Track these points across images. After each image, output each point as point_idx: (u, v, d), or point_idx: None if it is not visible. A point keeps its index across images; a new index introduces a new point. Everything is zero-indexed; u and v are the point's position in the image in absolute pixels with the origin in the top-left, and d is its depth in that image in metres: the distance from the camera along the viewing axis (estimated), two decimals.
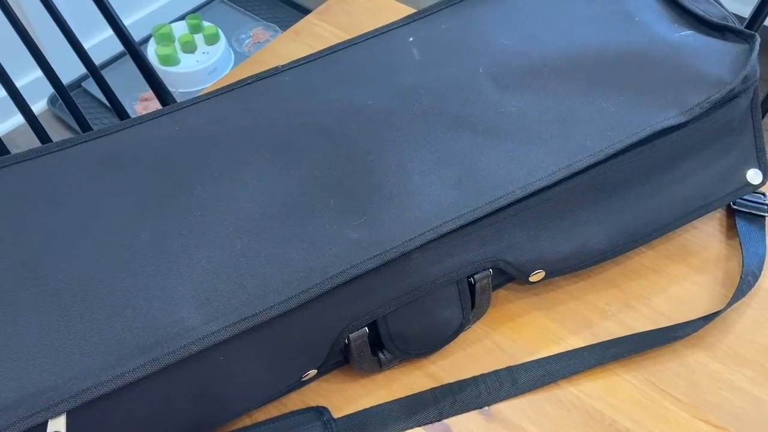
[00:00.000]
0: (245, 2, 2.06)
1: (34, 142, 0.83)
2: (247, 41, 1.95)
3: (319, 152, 0.57)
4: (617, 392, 0.57)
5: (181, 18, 1.92)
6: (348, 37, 0.67)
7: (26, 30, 0.88)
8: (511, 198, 0.55)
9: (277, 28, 1.97)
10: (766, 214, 0.65)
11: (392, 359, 0.58)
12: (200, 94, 0.64)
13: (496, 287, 0.63)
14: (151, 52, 1.79)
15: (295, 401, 0.58)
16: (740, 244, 0.63)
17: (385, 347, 0.57)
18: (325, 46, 0.67)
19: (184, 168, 0.57)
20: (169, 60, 1.77)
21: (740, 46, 0.62)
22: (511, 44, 0.64)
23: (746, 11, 1.71)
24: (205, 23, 1.86)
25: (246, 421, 0.56)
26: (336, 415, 0.57)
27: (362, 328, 0.54)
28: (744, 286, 0.60)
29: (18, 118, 1.77)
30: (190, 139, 0.59)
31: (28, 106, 0.88)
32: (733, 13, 0.65)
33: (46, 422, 0.45)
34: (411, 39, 0.66)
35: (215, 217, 0.54)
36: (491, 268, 0.57)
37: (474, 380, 0.58)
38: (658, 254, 0.65)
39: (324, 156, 0.57)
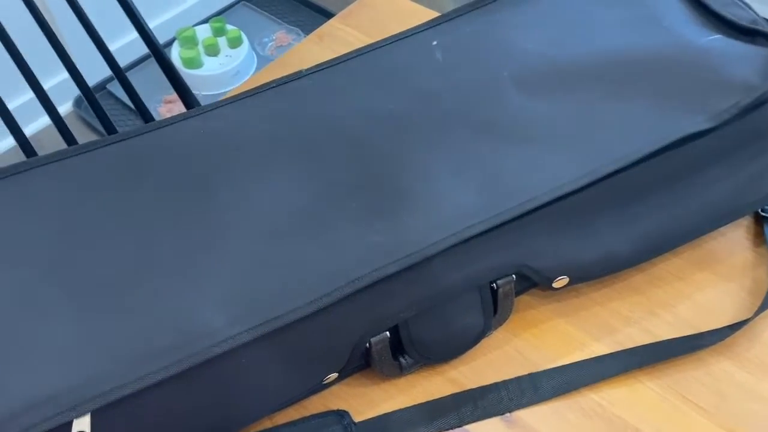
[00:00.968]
0: (268, 5, 2.07)
1: (60, 144, 0.84)
2: (269, 44, 1.96)
3: (342, 156, 0.57)
4: (640, 400, 0.57)
5: (205, 21, 1.93)
6: (371, 41, 0.67)
7: (53, 32, 0.89)
8: (535, 203, 0.54)
9: (300, 32, 1.98)
10: None
11: (413, 364, 0.58)
12: (223, 97, 0.65)
13: (519, 293, 0.62)
14: (175, 55, 1.81)
15: (316, 404, 0.58)
16: None
17: (406, 352, 0.57)
18: (348, 50, 0.67)
19: (209, 172, 0.57)
20: (193, 63, 1.79)
21: None
22: (536, 48, 0.64)
23: None
24: (228, 26, 1.87)
25: (267, 424, 0.56)
26: (357, 418, 0.56)
27: (384, 332, 0.54)
28: None
29: (44, 120, 1.79)
30: (215, 143, 0.59)
31: (54, 107, 0.89)
32: (764, 18, 0.64)
33: (71, 422, 0.45)
34: (435, 42, 0.66)
35: (239, 221, 0.54)
36: (514, 274, 0.56)
37: (495, 386, 0.58)
38: (684, 261, 0.64)
39: (347, 160, 0.57)
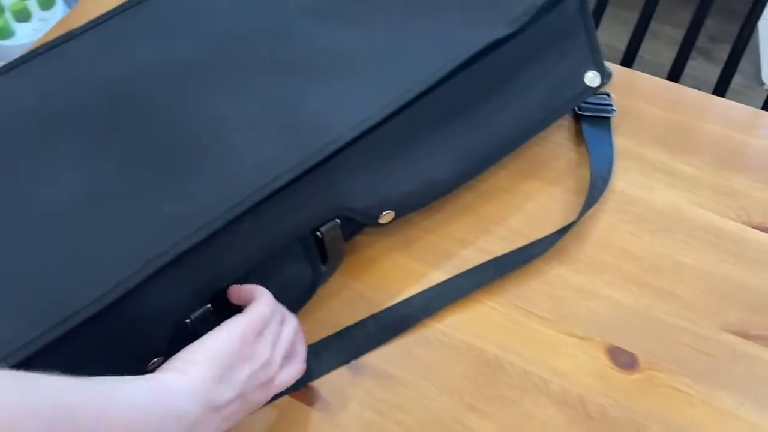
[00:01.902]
0: None
1: None
2: None
3: (126, 123, 0.52)
4: (483, 321, 0.56)
5: None
6: None
7: None
8: (341, 142, 0.51)
9: None
10: (610, 115, 0.64)
11: None
12: None
13: (350, 235, 0.59)
14: None
15: None
16: (587, 149, 0.63)
17: None
18: None
19: None
20: (2, 33, 1.62)
21: None
22: None
23: None
24: None
25: None
26: None
27: (206, 305, 0.50)
28: (594, 191, 0.59)
29: None
30: None
31: None
32: None
33: None
34: None
35: (16, 213, 0.48)
36: (336, 218, 0.54)
37: (338, 335, 0.56)
38: (510, 172, 0.63)
39: (131, 127, 0.51)
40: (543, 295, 0.57)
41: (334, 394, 0.53)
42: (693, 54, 0.85)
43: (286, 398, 0.53)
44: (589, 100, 0.64)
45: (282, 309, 0.49)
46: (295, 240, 0.52)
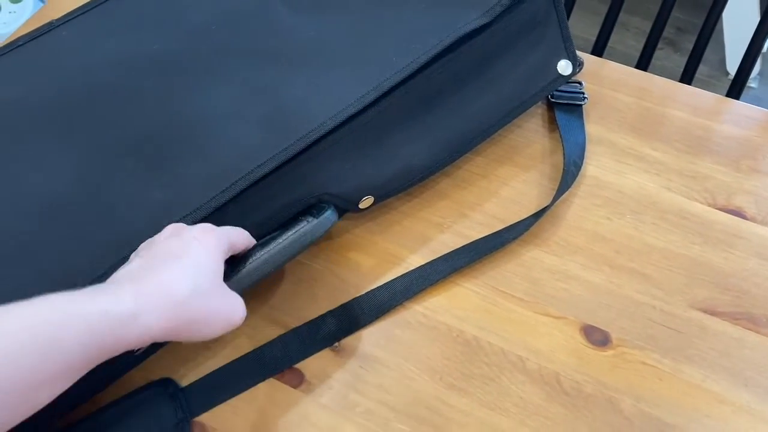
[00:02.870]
0: None
1: None
2: None
3: (107, 113, 0.52)
4: (461, 303, 0.58)
5: None
6: None
7: None
8: (323, 130, 0.52)
9: None
10: (581, 103, 0.66)
11: None
12: None
13: None
14: None
15: (137, 379, 0.54)
16: (560, 136, 0.64)
17: None
18: None
19: None
20: None
21: None
22: None
23: None
24: None
25: (90, 408, 0.53)
26: (183, 383, 0.54)
27: None
28: (567, 177, 0.61)
29: None
30: None
31: None
32: None
33: None
34: None
35: (1, 202, 0.48)
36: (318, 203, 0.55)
37: (321, 318, 0.57)
38: (486, 159, 0.65)
39: (113, 116, 0.52)
40: (519, 277, 0.59)
41: (317, 375, 0.54)
42: (660, 44, 0.88)
43: (270, 380, 0.54)
44: (562, 88, 0.66)
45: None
46: (277, 227, 0.53)
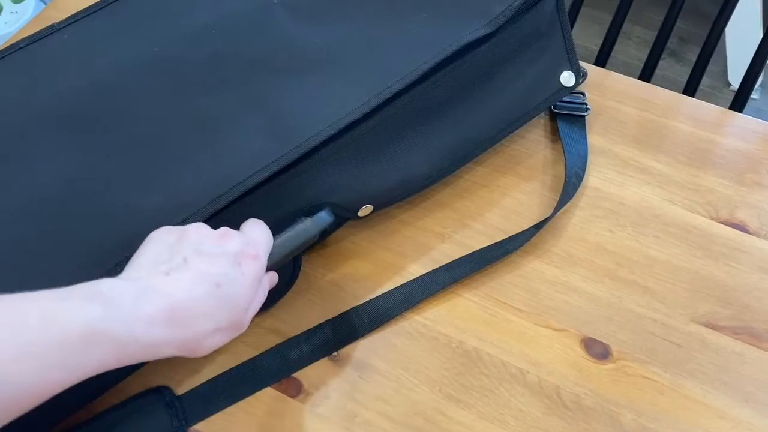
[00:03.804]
0: None
1: None
2: None
3: (107, 116, 0.52)
4: (462, 313, 0.57)
5: None
6: None
7: None
8: (322, 137, 0.52)
9: None
10: (584, 114, 0.66)
11: None
12: None
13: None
14: None
15: (134, 385, 0.54)
16: (563, 146, 0.64)
17: None
18: None
19: None
20: None
21: None
22: None
23: None
24: None
25: (83, 415, 0.52)
26: (179, 391, 0.54)
27: None
28: (569, 188, 0.61)
29: None
30: None
31: None
32: None
33: None
34: None
35: (5, 205, 0.48)
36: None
37: (320, 327, 0.57)
38: (488, 168, 0.64)
39: (112, 120, 0.52)
40: (520, 288, 0.58)
41: (315, 385, 0.54)
42: (663, 55, 0.88)
43: (267, 389, 0.54)
44: (565, 98, 0.65)
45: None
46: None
